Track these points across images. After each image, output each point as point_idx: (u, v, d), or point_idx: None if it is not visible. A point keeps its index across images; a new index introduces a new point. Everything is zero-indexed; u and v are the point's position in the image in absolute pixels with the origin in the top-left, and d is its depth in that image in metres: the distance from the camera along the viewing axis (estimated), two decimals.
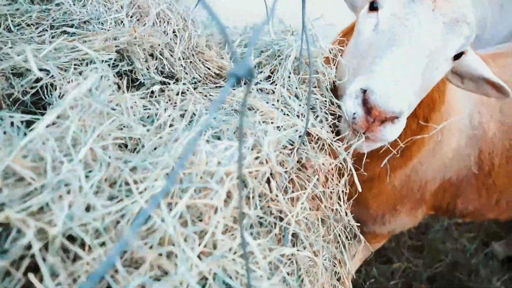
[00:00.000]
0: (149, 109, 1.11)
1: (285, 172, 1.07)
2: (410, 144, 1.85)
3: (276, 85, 1.33)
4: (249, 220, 0.98)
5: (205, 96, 1.24)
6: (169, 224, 0.78)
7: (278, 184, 1.04)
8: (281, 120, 1.14)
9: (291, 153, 1.10)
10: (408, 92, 1.27)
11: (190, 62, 1.32)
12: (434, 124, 1.84)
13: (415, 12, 1.38)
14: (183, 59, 1.31)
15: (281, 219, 1.02)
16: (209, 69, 1.31)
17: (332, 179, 1.21)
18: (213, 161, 0.85)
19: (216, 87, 1.30)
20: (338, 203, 1.28)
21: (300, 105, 1.29)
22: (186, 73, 1.29)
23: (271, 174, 1.03)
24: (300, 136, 1.11)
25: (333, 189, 1.22)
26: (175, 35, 1.39)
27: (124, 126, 0.94)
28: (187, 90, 1.23)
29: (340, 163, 1.25)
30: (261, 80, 1.36)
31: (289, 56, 1.34)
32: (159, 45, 1.29)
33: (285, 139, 1.10)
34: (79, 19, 1.38)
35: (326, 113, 1.33)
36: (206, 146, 0.89)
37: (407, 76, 1.27)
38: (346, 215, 1.32)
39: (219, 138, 1.01)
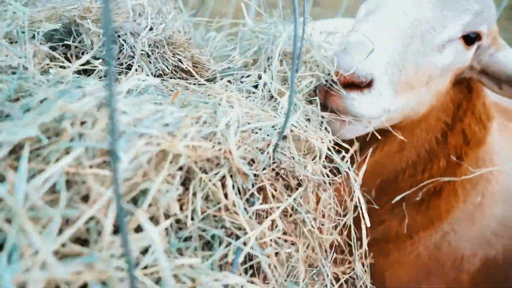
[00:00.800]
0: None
1: (255, 176, 0.73)
2: (437, 195, 1.52)
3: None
4: (185, 231, 0.63)
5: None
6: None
7: (239, 188, 0.70)
8: (255, 112, 0.83)
9: (265, 152, 0.77)
10: (379, 56, 1.14)
11: (158, 52, 1.05)
12: (471, 166, 1.51)
13: None
14: (150, 46, 1.04)
15: (238, 238, 0.66)
16: (180, 61, 1.04)
17: (332, 203, 0.85)
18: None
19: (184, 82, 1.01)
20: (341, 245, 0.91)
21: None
22: (150, 62, 1.02)
23: (230, 174, 0.69)
24: (279, 132, 0.78)
25: (332, 219, 0.86)
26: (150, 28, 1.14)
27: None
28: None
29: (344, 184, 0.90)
30: (246, 83, 1.08)
31: (276, 50, 1.06)
32: (120, 28, 1.04)
33: (260, 134, 0.78)
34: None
35: (323, 117, 1.01)
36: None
37: (380, 40, 1.15)
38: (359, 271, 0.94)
39: None
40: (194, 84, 1.03)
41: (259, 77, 1.11)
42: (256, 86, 1.07)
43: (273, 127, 0.84)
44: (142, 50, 1.01)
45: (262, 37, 1.18)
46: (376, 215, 1.13)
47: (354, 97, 1.09)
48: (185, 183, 0.67)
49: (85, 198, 0.52)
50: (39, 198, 0.47)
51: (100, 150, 0.52)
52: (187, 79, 1.06)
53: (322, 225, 0.79)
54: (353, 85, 1.09)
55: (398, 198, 1.39)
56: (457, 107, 1.55)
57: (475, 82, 1.56)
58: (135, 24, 1.13)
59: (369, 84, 1.12)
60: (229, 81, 1.07)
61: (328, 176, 0.83)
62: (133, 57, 1.01)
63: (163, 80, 1.01)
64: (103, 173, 0.49)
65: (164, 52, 1.04)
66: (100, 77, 0.94)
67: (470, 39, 1.31)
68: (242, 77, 1.11)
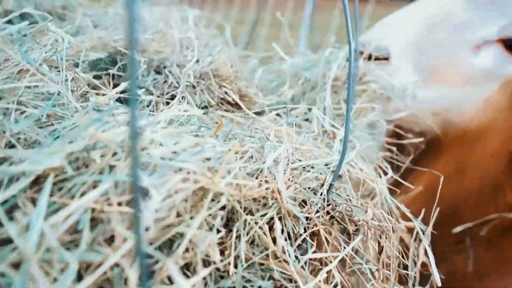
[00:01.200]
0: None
1: (307, 219, 0.64)
2: (509, 233, 1.37)
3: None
4: (227, 280, 0.54)
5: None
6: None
7: (289, 232, 0.61)
8: (306, 147, 0.74)
9: (318, 193, 0.67)
10: (398, 35, 1.26)
11: (204, 84, 1.00)
12: None
13: None
14: (195, 78, 0.99)
15: None
16: (226, 94, 0.98)
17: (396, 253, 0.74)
18: None
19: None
20: None
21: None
22: (195, 93, 0.97)
23: (278, 216, 0.61)
24: (334, 171, 0.69)
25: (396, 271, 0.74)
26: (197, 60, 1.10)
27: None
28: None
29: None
30: (296, 116, 1.00)
31: (329, 77, 0.98)
32: (166, 60, 1.00)
33: (312, 172, 0.69)
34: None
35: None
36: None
37: (403, 23, 1.28)
38: None
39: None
40: (240, 117, 0.96)
41: (310, 110, 1.03)
42: (307, 120, 0.99)
43: (326, 165, 0.75)
44: (187, 82, 0.96)
45: (311, 68, 1.11)
46: (438, 251, 1.03)
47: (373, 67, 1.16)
48: (228, 225, 0.59)
49: (112, 240, 0.45)
50: (57, 239, 0.40)
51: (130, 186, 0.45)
52: (233, 112, 1.00)
53: (387, 278, 0.67)
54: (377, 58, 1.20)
55: (458, 229, 1.34)
56: None
57: None
58: (182, 57, 1.09)
59: (386, 59, 1.21)
60: (278, 115, 1.00)
61: (390, 222, 0.72)
62: (178, 87, 0.96)
63: (208, 112, 0.95)
64: (130, 212, 0.41)
65: (210, 84, 0.99)
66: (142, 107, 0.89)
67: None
68: (292, 110, 1.04)
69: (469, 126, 1.44)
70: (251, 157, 0.61)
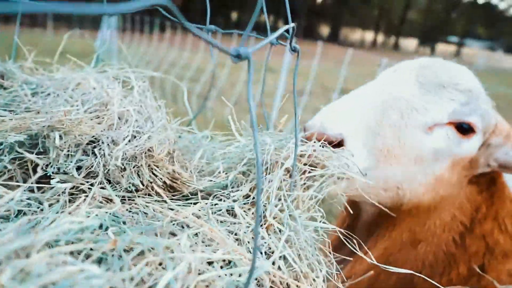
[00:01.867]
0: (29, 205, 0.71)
1: None
2: None
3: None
4: None
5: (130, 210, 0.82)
6: None
7: None
8: (224, 250, 0.69)
9: None
10: (349, 118, 1.27)
11: (135, 166, 0.95)
12: (502, 280, 1.44)
13: (391, 75, 1.50)
14: (126, 159, 0.94)
15: None
16: (156, 176, 0.93)
17: None
18: None
19: (156, 201, 0.89)
20: None
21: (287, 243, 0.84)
22: (122, 176, 0.91)
23: None
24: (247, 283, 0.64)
25: None
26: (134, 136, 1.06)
27: None
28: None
29: None
30: (234, 200, 0.95)
31: (281, 164, 0.94)
32: (95, 138, 0.95)
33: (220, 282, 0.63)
34: (25, 108, 1.10)
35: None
36: None
37: (354, 108, 1.30)
38: None
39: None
40: (171, 200, 0.91)
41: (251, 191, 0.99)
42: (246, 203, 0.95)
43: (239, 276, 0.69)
44: (114, 165, 0.90)
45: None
46: None
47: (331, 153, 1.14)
48: None
49: None
50: None
51: None
52: (161, 197, 0.94)
53: None
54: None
55: None
56: (475, 209, 1.55)
57: (500, 189, 1.56)
58: (118, 134, 1.05)
59: (340, 144, 1.21)
60: (216, 196, 0.95)
61: None
62: (105, 169, 0.91)
63: (134, 197, 0.89)
64: None
65: (141, 165, 0.94)
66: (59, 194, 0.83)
67: (463, 129, 1.41)
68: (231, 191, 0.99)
69: (421, 201, 1.49)
70: (142, 280, 0.55)
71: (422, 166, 1.40)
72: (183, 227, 0.79)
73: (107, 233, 0.67)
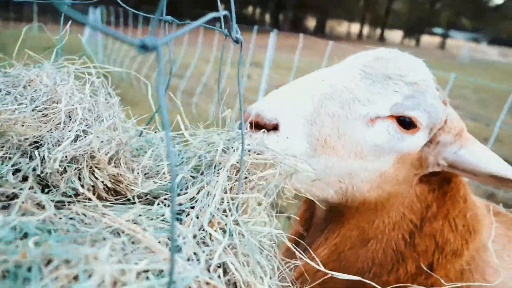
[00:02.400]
0: None
1: None
2: None
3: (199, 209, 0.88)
4: None
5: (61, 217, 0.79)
6: None
7: None
8: (154, 259, 0.65)
9: None
10: (286, 104, 1.28)
11: (77, 168, 0.91)
12: (450, 279, 1.43)
13: (341, 64, 1.48)
14: (64, 162, 0.90)
15: None
16: (97, 178, 0.89)
17: None
18: None
19: (97, 206, 0.85)
20: None
21: (229, 246, 0.82)
22: (61, 179, 0.87)
23: None
24: None
25: None
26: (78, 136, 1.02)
27: None
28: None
29: None
30: (180, 203, 0.92)
31: (222, 165, 0.91)
32: (37, 138, 0.91)
33: None
34: None
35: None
36: None
37: (293, 95, 1.30)
38: None
39: None
40: (114, 204, 0.87)
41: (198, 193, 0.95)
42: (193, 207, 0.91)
43: None
44: (52, 168, 0.86)
45: (207, 149, 1.04)
46: None
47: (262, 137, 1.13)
48: None
49: None
50: None
51: None
52: (106, 199, 0.91)
53: None
54: (263, 127, 1.22)
55: None
56: (426, 207, 1.53)
57: (453, 188, 1.54)
58: (64, 134, 1.01)
59: (275, 128, 1.24)
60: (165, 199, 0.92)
61: None
62: (48, 172, 0.87)
63: (68, 203, 0.85)
64: None
65: (82, 168, 0.90)
66: None
67: (405, 123, 1.37)
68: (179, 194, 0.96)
69: (367, 198, 1.46)
70: None
71: (364, 162, 1.37)
72: (119, 234, 0.75)
73: (28, 244, 0.64)
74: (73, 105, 1.12)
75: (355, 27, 72.34)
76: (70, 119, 1.10)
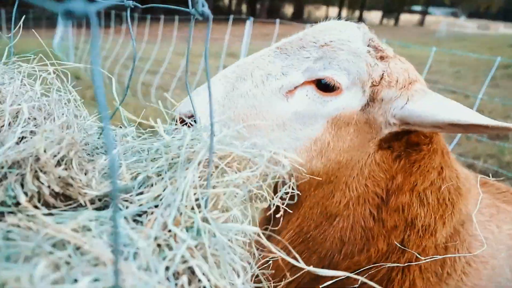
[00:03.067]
0: None
1: None
2: (390, 286, 1.36)
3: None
4: None
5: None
6: None
7: None
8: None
9: None
10: (198, 95, 1.29)
11: (19, 174, 0.80)
12: (424, 254, 1.37)
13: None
14: (9, 166, 0.79)
15: None
16: (42, 183, 0.78)
17: None
18: None
19: (44, 214, 0.75)
20: None
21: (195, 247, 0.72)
22: (1, 185, 0.77)
23: None
24: None
25: None
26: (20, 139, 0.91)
27: None
28: None
29: None
30: (141, 205, 0.82)
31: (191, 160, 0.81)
32: None
33: None
34: None
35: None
36: None
37: (203, 86, 1.34)
38: None
39: None
40: (63, 211, 0.77)
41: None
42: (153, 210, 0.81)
43: None
44: None
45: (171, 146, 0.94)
46: None
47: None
48: None
49: None
50: None
51: None
52: (54, 206, 0.80)
53: None
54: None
55: (326, 284, 1.24)
56: (391, 178, 1.43)
57: (423, 158, 1.44)
58: (7, 136, 0.90)
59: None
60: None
61: None
62: None
63: (14, 212, 0.75)
64: None
65: (24, 174, 0.80)
66: None
67: (325, 86, 1.33)
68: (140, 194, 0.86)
69: (312, 169, 1.39)
70: None
71: (290, 131, 1.34)
72: (64, 245, 0.65)
73: None
74: (19, 105, 1.01)
75: (333, 11, 72.15)
76: (17, 121, 0.99)
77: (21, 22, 1.50)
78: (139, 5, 1.29)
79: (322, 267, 1.43)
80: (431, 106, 1.30)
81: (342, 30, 1.38)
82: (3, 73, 1.20)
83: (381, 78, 1.35)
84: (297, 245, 1.48)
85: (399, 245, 1.38)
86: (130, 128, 1.18)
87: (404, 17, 75.18)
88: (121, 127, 1.24)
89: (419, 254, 1.35)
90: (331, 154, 1.38)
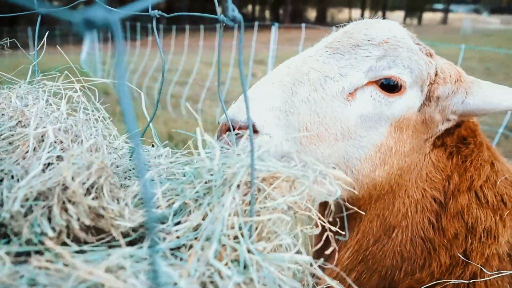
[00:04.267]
0: None
1: None
2: None
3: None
4: None
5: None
6: None
7: None
8: None
9: None
10: (259, 102, 1.17)
11: (46, 206, 0.73)
12: (491, 265, 1.25)
13: (312, 47, 1.36)
14: (35, 198, 0.72)
15: None
16: (71, 216, 0.71)
17: None
18: None
19: (76, 252, 0.67)
20: None
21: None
22: (25, 222, 0.69)
23: None
24: None
25: None
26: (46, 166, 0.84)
27: None
28: None
29: None
30: (178, 236, 0.73)
31: (230, 185, 0.73)
32: None
33: None
34: None
35: None
36: None
37: (261, 92, 1.20)
38: None
39: None
40: (94, 246, 0.69)
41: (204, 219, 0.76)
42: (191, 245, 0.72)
43: None
44: (11, 211, 0.68)
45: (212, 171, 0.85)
46: None
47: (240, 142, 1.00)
48: None
49: None
50: None
51: None
52: (86, 242, 0.72)
53: None
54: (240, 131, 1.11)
55: None
56: (447, 178, 1.34)
57: (473, 152, 1.36)
58: (28, 163, 0.83)
59: (255, 132, 1.13)
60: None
61: None
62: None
63: (41, 251, 0.67)
64: None
65: (51, 206, 0.72)
66: None
67: (389, 86, 1.24)
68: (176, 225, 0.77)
69: (375, 179, 1.30)
70: None
71: (354, 140, 1.24)
72: None
73: None
74: (44, 127, 0.94)
75: (356, 13, 71.53)
76: (42, 145, 0.92)
77: (44, 39, 1.45)
78: (164, 14, 1.22)
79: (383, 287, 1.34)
80: (491, 96, 1.28)
81: (390, 28, 1.31)
82: (27, 93, 1.14)
83: (436, 75, 1.31)
84: (357, 265, 1.39)
85: (462, 257, 1.26)
86: (164, 150, 1.09)
87: (427, 16, 73.88)
88: (153, 145, 1.16)
89: (482, 267, 1.23)
90: (393, 160, 1.30)
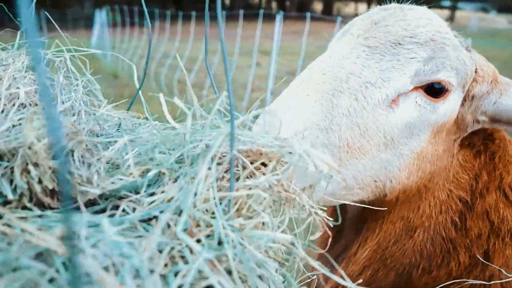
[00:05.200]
0: None
1: None
2: None
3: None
4: None
5: None
6: None
7: None
8: None
9: None
10: (293, 119, 1.03)
11: (7, 167, 0.67)
12: (505, 266, 1.21)
13: (338, 43, 1.21)
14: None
15: None
16: (32, 179, 0.65)
17: None
18: None
19: (38, 216, 0.62)
20: None
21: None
22: None
23: None
24: None
25: None
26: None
27: None
28: None
29: None
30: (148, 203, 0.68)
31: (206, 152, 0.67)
32: None
33: None
34: None
35: None
36: None
37: (295, 104, 1.05)
38: None
39: None
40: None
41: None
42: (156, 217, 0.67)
43: None
44: None
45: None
46: None
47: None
48: None
49: None
50: None
51: None
52: (50, 206, 0.67)
53: None
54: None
55: None
56: (475, 178, 1.29)
57: (500, 148, 1.30)
58: None
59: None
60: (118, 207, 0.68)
61: None
62: None
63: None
64: None
65: (13, 167, 0.66)
66: None
67: (435, 90, 1.13)
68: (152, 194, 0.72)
69: (407, 185, 1.24)
70: None
71: (397, 149, 1.15)
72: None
73: None
74: (18, 88, 0.88)
75: (362, 7, 71.10)
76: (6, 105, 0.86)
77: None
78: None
79: (399, 285, 1.31)
80: None
81: (430, 18, 1.22)
82: (9, 56, 1.08)
83: (476, 73, 1.22)
84: (373, 263, 1.34)
85: (481, 259, 1.22)
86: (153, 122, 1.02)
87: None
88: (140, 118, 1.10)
89: (501, 267, 1.20)
90: (427, 165, 1.23)
